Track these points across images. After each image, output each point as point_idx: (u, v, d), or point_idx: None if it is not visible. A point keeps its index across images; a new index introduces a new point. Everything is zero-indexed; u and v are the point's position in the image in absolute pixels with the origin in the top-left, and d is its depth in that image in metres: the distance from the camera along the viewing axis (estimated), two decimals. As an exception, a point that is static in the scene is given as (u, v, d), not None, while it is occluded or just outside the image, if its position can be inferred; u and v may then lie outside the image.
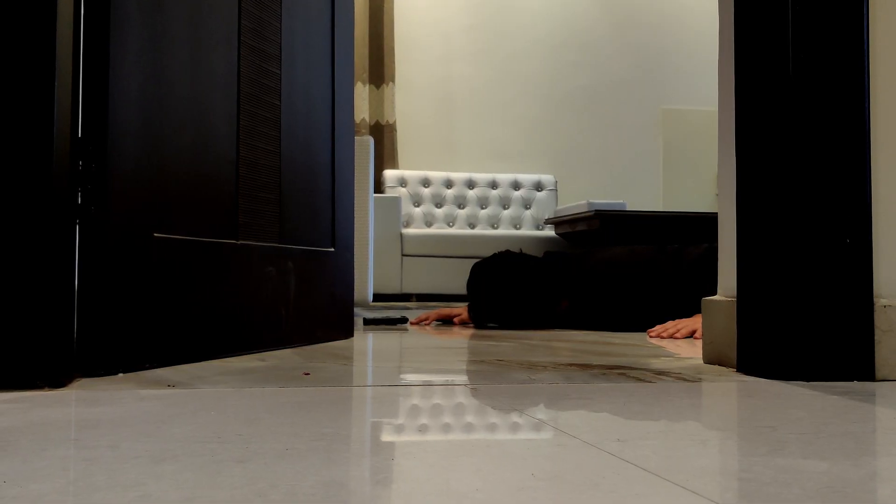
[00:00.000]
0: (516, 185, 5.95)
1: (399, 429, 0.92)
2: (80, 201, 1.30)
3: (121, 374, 1.33)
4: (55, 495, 0.60)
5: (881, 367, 1.32)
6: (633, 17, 6.30)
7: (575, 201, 5.73)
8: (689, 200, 6.06)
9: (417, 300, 5.21)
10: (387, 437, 0.88)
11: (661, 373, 1.42)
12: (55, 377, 1.18)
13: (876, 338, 1.33)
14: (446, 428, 0.91)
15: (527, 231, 5.71)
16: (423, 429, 0.91)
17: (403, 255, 5.15)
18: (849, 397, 1.13)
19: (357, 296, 3.63)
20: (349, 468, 0.72)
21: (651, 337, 2.28)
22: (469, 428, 0.91)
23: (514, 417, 0.97)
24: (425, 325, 2.85)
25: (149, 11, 1.44)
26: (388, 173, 5.78)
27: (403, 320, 2.86)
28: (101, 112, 1.33)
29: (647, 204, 6.13)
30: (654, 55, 6.30)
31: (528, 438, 0.86)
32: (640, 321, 2.47)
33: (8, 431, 0.85)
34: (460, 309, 2.95)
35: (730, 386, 1.28)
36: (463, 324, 2.89)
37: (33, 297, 1.17)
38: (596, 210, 4.72)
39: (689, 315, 2.34)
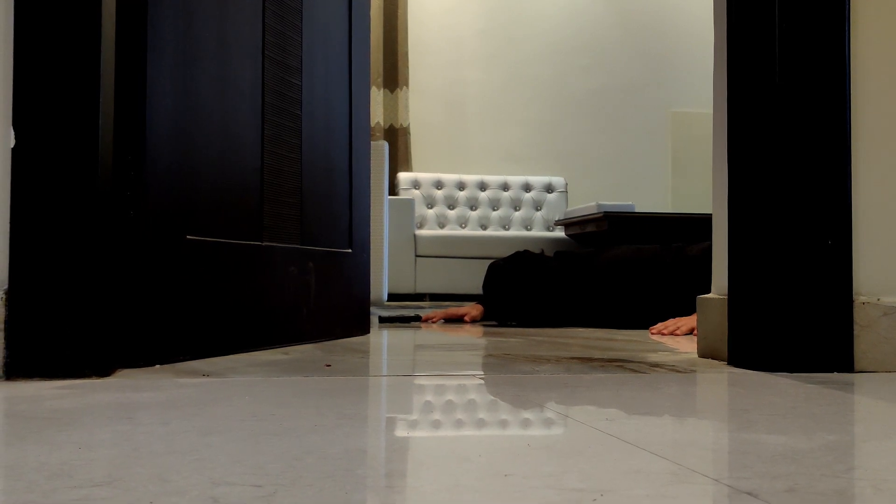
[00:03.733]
0: (527, 187, 6.05)
1: (412, 411, 1.03)
2: (121, 207, 1.41)
3: (157, 366, 1.45)
4: (124, 458, 0.71)
5: (860, 359, 1.42)
6: (643, 22, 6.39)
7: (585, 203, 5.83)
8: (698, 202, 6.14)
9: (430, 300, 5.32)
10: (401, 417, 0.99)
11: (656, 365, 1.52)
12: (101, 367, 1.30)
13: (855, 332, 1.43)
14: (454, 410, 1.02)
15: (537, 232, 5.81)
16: (433, 411, 1.02)
17: (417, 255, 5.26)
18: (824, 386, 1.24)
19: (372, 295, 3.75)
20: (369, 440, 0.83)
21: (653, 334, 2.38)
22: (474, 410, 1.02)
23: (516, 402, 1.08)
24: (432, 322, 2.95)
25: (181, 31, 1.56)
26: (402, 176, 5.90)
27: (417, 318, 2.98)
28: (139, 125, 1.44)
29: (655, 206, 6.22)
30: (663, 59, 6.39)
31: (526, 418, 0.96)
32: (646, 317, 2.57)
33: (71, 411, 0.97)
34: (467, 308, 3.04)
35: (718, 376, 1.38)
36: (473, 321, 2.99)
37: (82, 296, 1.29)
38: (605, 212, 4.81)
39: (692, 311, 2.44)
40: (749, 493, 0.60)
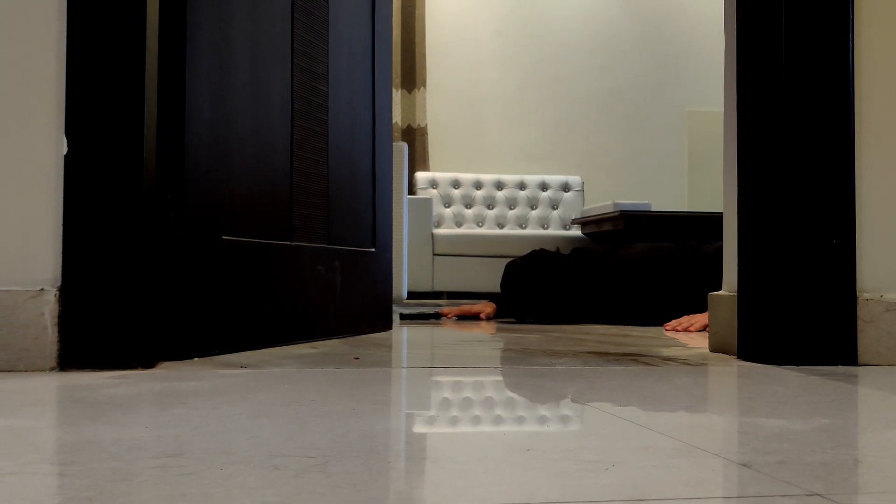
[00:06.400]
0: (544, 186, 6.12)
1: (440, 398, 1.11)
2: (162, 209, 1.50)
3: (196, 359, 1.54)
4: (188, 436, 0.80)
5: (863, 353, 1.49)
6: (659, 22, 6.44)
7: (601, 202, 5.89)
8: (714, 201, 6.18)
9: (448, 298, 5.40)
10: (431, 403, 1.07)
11: (668, 359, 1.60)
12: (146, 359, 1.40)
13: (859, 327, 1.50)
14: (478, 397, 1.10)
15: (554, 231, 5.88)
16: (459, 398, 1.10)
17: (434, 254, 5.35)
18: (827, 377, 1.31)
19: (393, 293, 3.83)
20: (404, 422, 0.91)
21: (667, 331, 2.45)
22: (497, 397, 1.10)
23: (536, 390, 1.16)
24: (447, 318, 3.03)
25: (217, 42, 1.65)
26: (420, 175, 5.98)
27: (436, 316, 3.06)
28: (179, 131, 1.53)
29: (671, 204, 6.28)
30: (679, 58, 6.44)
31: (545, 404, 1.04)
32: (661, 314, 2.64)
33: (128, 398, 1.05)
34: (481, 305, 3.12)
35: (726, 369, 1.45)
36: (489, 318, 3.07)
37: (127, 292, 1.38)
38: (621, 210, 4.88)
39: (707, 308, 2.50)
40: (744, 465, 0.67)
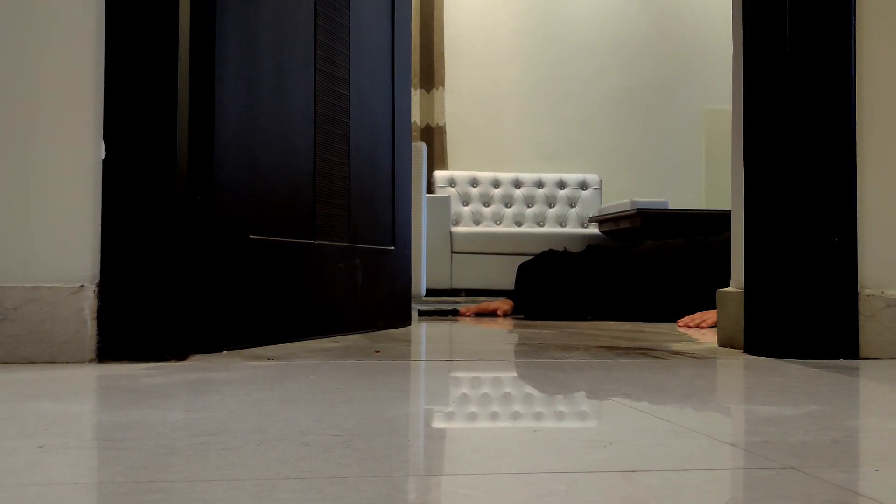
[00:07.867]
0: (562, 185, 6.17)
1: (456, 387, 1.18)
2: (193, 210, 1.58)
3: (225, 352, 1.62)
4: (225, 418, 0.88)
5: (864, 347, 1.55)
6: (676, 21, 6.48)
7: (619, 200, 5.94)
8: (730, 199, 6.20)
9: (466, 295, 5.48)
10: (448, 392, 1.15)
11: (677, 353, 1.66)
12: (179, 352, 1.48)
13: (860, 322, 1.55)
14: (492, 386, 1.17)
15: (572, 229, 5.94)
16: (474, 387, 1.17)
17: (453, 252, 5.42)
18: (827, 370, 1.37)
19: (412, 290, 3.91)
20: (423, 407, 0.98)
21: (680, 327, 2.51)
22: (509, 386, 1.17)
23: (546, 380, 1.23)
24: (465, 316, 3.11)
25: (244, 50, 1.73)
26: (438, 174, 6.06)
27: (454, 312, 3.13)
28: (209, 136, 1.62)
29: (689, 202, 6.31)
30: (696, 57, 6.47)
31: (554, 392, 1.11)
32: (674, 309, 2.70)
33: (166, 386, 1.14)
34: (498, 303, 3.19)
35: (732, 362, 1.51)
36: (505, 315, 3.14)
37: (162, 289, 1.47)
38: (639, 208, 4.92)
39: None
40: (731, 444, 0.74)
